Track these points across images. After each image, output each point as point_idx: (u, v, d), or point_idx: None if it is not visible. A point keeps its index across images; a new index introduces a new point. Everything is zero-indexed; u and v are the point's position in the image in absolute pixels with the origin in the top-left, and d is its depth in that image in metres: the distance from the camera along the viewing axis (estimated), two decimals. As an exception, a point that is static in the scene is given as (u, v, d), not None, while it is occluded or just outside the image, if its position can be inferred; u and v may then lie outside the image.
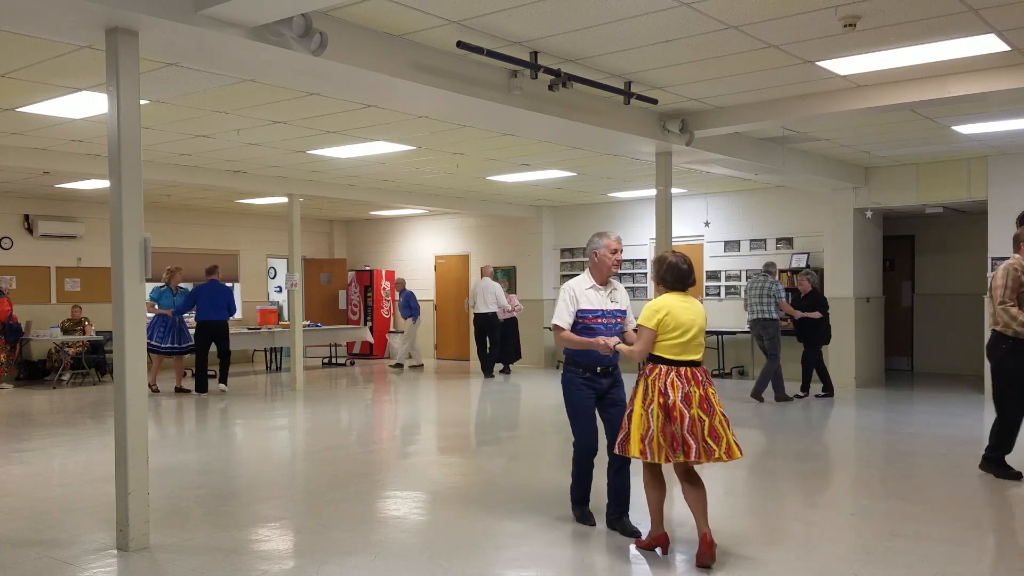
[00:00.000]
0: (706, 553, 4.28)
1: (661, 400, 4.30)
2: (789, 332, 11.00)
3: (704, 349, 4.50)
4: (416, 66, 5.89)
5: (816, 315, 10.64)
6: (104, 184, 11.25)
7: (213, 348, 11.64)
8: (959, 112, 8.24)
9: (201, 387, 11.41)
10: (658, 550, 4.54)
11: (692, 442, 4.23)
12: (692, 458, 4.25)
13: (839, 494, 6.16)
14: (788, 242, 13.04)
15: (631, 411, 4.45)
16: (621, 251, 4.93)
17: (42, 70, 6.41)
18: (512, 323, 14.20)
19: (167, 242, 14.99)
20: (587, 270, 5.00)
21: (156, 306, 11.70)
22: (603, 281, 4.93)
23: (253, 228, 16.88)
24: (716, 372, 12.78)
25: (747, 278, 12.62)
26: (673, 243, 9.08)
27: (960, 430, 8.21)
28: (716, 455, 4.24)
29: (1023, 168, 10.67)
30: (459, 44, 5.73)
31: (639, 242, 14.55)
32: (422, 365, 15.18)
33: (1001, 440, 6.23)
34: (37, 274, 13.86)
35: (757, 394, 10.43)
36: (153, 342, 11.59)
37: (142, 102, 5.66)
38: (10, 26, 4.71)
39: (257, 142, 9.30)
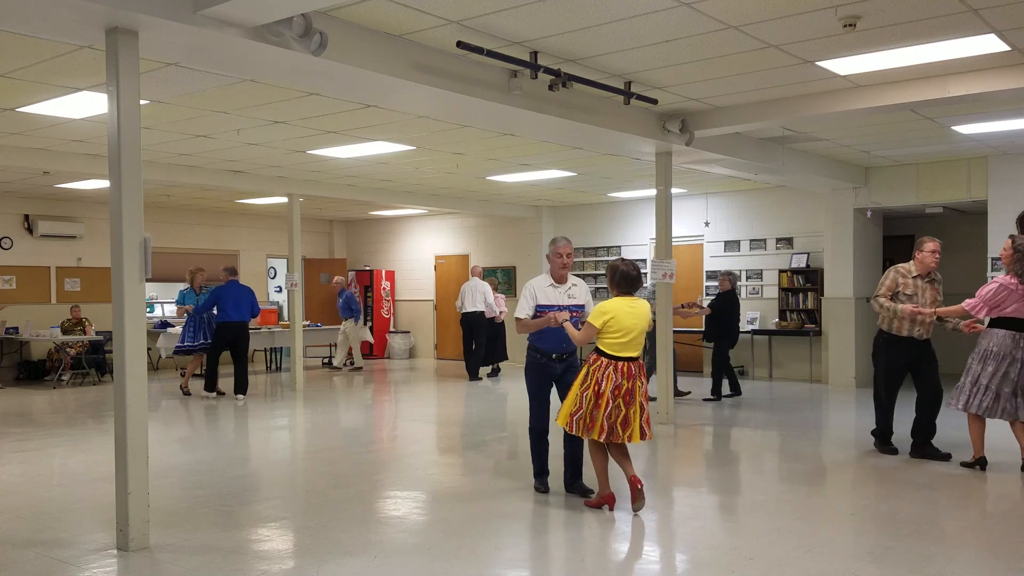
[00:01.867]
0: (637, 490, 5.10)
1: (596, 388, 5.06)
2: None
3: (643, 346, 5.28)
4: (416, 66, 5.89)
5: (706, 311, 10.77)
6: (104, 184, 11.25)
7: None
8: (959, 112, 8.24)
9: (210, 386, 11.18)
10: (606, 508, 5.29)
11: (606, 426, 5.06)
12: (601, 439, 5.10)
13: (839, 494, 6.16)
14: (788, 242, 13.04)
15: (571, 390, 5.22)
16: (567, 254, 5.62)
17: (42, 70, 6.42)
18: (500, 324, 14.14)
19: (167, 242, 15.00)
20: (548, 270, 5.74)
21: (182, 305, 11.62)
22: (559, 279, 5.61)
23: (253, 228, 16.88)
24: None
25: None
26: (673, 243, 9.09)
27: (959, 430, 8.19)
28: (620, 439, 5.09)
29: (1023, 168, 10.68)
30: (459, 44, 5.73)
31: (639, 242, 14.53)
32: (361, 368, 15.15)
33: (904, 428, 7.14)
34: (37, 274, 13.86)
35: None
36: (186, 343, 11.56)
37: (142, 102, 5.67)
38: (10, 26, 4.71)
39: (257, 142, 9.30)
